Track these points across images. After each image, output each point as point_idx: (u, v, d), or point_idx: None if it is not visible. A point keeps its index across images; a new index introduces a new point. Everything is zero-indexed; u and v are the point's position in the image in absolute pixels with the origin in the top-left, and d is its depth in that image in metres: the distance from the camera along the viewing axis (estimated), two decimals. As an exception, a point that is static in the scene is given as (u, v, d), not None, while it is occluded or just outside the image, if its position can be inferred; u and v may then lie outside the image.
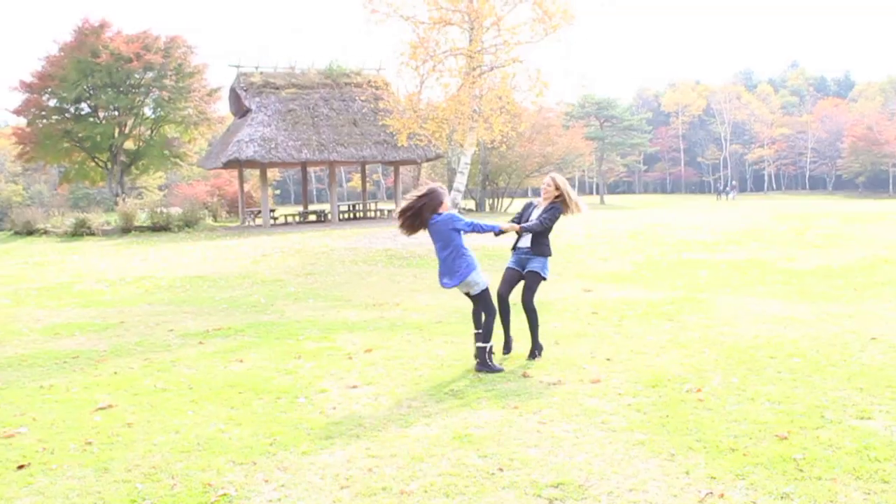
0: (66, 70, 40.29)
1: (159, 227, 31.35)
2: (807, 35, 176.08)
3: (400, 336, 9.08)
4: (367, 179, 53.88)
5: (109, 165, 43.39)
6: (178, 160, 46.04)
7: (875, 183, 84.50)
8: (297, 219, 36.78)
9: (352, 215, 38.34)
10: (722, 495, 4.32)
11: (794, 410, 5.74)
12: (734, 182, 79.72)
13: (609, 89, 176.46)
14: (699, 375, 6.84)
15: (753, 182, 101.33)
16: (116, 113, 42.05)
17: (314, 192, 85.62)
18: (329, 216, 35.96)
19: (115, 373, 7.58)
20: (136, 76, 41.32)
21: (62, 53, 41.50)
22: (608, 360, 7.55)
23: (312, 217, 36.97)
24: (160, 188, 63.54)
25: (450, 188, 28.68)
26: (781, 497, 4.27)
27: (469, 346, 8.07)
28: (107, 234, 30.35)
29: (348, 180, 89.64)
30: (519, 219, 7.83)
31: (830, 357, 7.36)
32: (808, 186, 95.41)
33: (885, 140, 75.04)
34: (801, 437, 5.15)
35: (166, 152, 44.50)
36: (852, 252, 16.84)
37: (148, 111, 44.24)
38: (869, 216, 27.81)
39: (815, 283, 12.63)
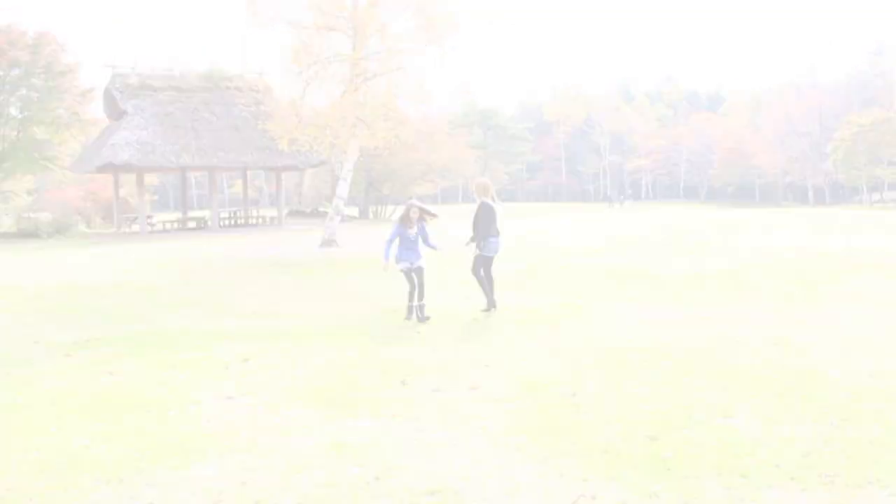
0: (-84, 64, 37.65)
1: (27, 234, 29.97)
2: (681, 49, 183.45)
3: (279, 345, 8.91)
4: (250, 186, 52.84)
5: (-31, 168, 40.89)
6: (48, 163, 43.68)
7: (744, 193, 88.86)
8: (175, 225, 35.74)
9: (233, 222, 37.57)
10: (594, 496, 4.42)
11: (664, 411, 5.94)
12: (629, 190, 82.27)
13: (493, 98, 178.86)
14: (576, 380, 6.98)
15: (631, 191, 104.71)
16: (-23, 112, 39.62)
17: (195, 198, 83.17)
18: (209, 223, 35.12)
19: (-29, 389, 7.13)
20: (0, 73, 39.13)
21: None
22: (487, 366, 7.62)
23: (192, 224, 36.01)
24: (29, 192, 60.33)
25: (333, 195, 28.47)
26: (650, 496, 4.40)
27: (350, 354, 8.33)
28: (-33, 241, 28.71)
29: (230, 186, 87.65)
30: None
31: (699, 359, 7.66)
32: (682, 195, 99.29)
33: (751, 153, 79.25)
34: (670, 437, 5.34)
35: (35, 155, 42.18)
36: (722, 258, 17.61)
37: (14, 111, 41.87)
38: (737, 224, 29.25)
39: (687, 289, 13.12)
